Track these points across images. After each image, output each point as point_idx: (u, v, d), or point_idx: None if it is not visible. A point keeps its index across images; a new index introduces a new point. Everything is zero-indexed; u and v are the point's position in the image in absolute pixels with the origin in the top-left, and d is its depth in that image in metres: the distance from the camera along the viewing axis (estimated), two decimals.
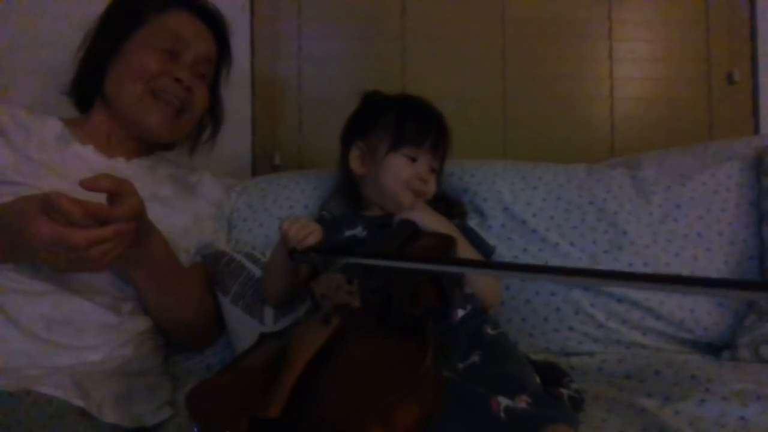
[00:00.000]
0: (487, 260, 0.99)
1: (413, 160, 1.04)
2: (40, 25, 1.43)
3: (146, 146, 1.10)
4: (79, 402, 0.76)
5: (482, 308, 0.92)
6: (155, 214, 0.86)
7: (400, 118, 1.06)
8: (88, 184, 0.71)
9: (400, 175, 1.02)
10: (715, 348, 1.06)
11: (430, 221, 0.99)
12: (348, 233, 1.01)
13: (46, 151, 0.96)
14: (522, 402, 0.65)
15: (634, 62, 1.55)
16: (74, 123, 1.04)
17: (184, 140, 1.17)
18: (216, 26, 1.11)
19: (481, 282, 0.95)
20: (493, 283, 0.99)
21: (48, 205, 0.71)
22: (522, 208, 1.16)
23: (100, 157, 1.01)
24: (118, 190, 0.75)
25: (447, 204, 1.09)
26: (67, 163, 0.96)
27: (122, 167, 1.02)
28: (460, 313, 0.86)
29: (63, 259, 0.74)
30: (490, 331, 0.84)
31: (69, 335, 0.84)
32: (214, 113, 1.18)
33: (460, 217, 1.10)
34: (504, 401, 0.65)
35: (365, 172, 1.07)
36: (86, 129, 1.04)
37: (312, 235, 0.84)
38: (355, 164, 1.08)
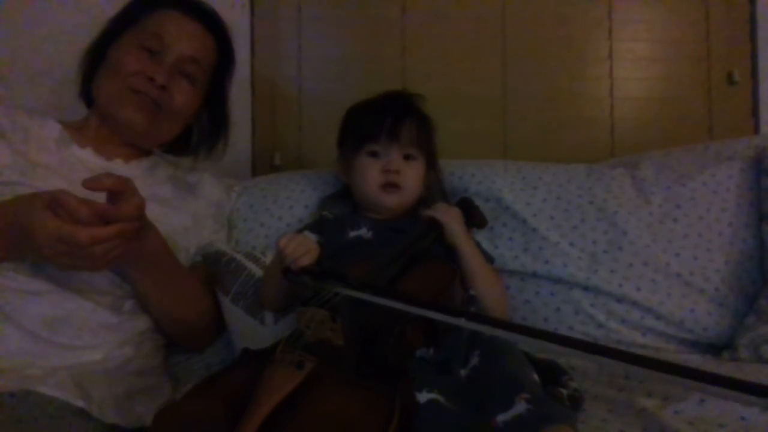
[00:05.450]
0: (483, 315, 0.94)
1: (376, 155, 1.03)
2: (41, 29, 1.43)
3: (144, 149, 1.09)
4: (79, 402, 0.76)
5: (483, 310, 0.92)
6: (154, 214, 0.86)
7: (351, 119, 1.08)
8: (91, 184, 0.72)
9: (367, 174, 1.03)
10: (715, 348, 1.06)
11: (456, 233, 0.99)
12: (353, 234, 1.01)
13: (45, 153, 0.96)
14: (521, 401, 0.65)
15: (634, 62, 1.55)
16: (73, 126, 1.05)
17: (194, 146, 1.17)
18: (214, 28, 1.10)
19: (488, 301, 0.97)
20: (502, 305, 1.01)
21: (55, 202, 0.71)
22: (522, 207, 1.16)
23: (99, 160, 1.01)
24: (120, 188, 0.75)
25: (466, 212, 1.07)
26: (66, 166, 0.96)
27: (121, 169, 1.02)
28: None
29: (66, 256, 0.74)
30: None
31: (69, 335, 0.84)
32: (214, 117, 1.17)
33: (478, 226, 1.10)
34: (502, 417, 0.64)
35: (349, 181, 1.09)
36: (84, 132, 1.04)
37: (308, 254, 0.83)
38: (341, 175, 1.11)
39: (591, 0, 1.54)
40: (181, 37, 1.04)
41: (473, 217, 1.09)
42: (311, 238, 0.98)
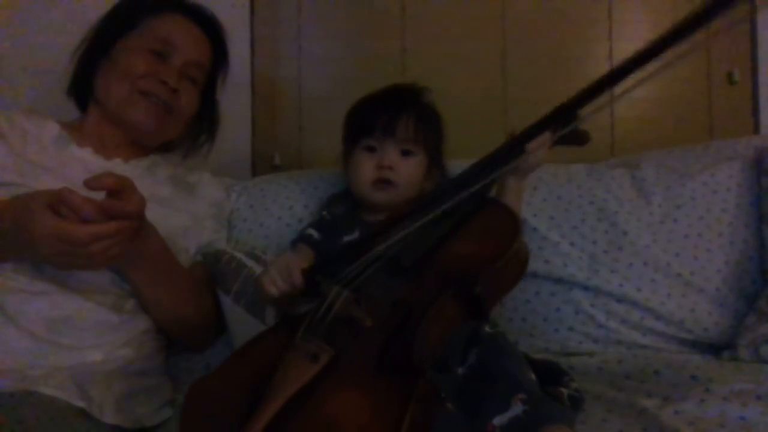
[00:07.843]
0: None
1: (373, 150, 1.00)
2: (39, 28, 1.43)
3: (143, 148, 1.10)
4: (79, 403, 0.77)
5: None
6: (154, 214, 0.86)
7: (352, 113, 1.05)
8: (92, 183, 0.72)
9: (361, 170, 1.00)
10: (715, 348, 1.06)
11: (529, 171, 0.93)
12: (347, 239, 1.00)
13: (44, 153, 0.96)
14: (517, 403, 0.65)
15: None
16: (72, 126, 1.05)
17: (179, 143, 1.17)
18: (212, 32, 1.11)
19: None
20: None
21: (59, 200, 0.71)
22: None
23: (98, 159, 1.01)
24: (120, 187, 0.75)
25: (565, 124, 0.93)
26: (65, 165, 0.96)
27: (120, 168, 1.02)
28: None
29: (64, 255, 0.74)
30: (487, 329, 0.84)
31: (70, 335, 0.84)
32: (208, 119, 1.18)
33: (579, 144, 0.98)
34: (499, 420, 0.64)
35: (348, 177, 1.07)
36: (83, 131, 1.04)
37: (293, 277, 0.79)
38: (344, 170, 1.09)
39: (591, 0, 1.54)
40: (188, 42, 1.06)
41: (573, 133, 0.92)
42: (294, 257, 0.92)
